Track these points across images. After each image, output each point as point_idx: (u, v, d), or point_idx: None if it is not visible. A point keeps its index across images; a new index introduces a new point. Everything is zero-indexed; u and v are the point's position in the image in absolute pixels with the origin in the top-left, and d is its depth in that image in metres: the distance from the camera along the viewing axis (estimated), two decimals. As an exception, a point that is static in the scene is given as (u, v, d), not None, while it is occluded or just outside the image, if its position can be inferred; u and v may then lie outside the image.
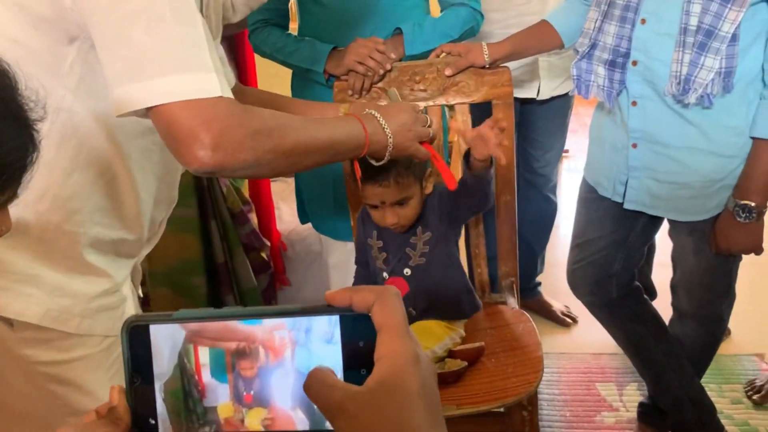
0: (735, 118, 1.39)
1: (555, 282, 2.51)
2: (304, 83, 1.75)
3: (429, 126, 1.19)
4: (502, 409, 1.42)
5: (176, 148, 0.86)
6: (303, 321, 0.47)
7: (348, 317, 0.46)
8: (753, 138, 1.39)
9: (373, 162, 1.16)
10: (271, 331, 0.47)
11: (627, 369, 2.16)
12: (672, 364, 1.69)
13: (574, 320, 2.44)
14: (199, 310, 0.49)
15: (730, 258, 1.53)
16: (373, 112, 1.10)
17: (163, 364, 0.49)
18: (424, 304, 1.43)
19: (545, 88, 2.08)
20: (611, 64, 1.45)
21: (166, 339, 0.49)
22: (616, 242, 1.64)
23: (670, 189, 1.50)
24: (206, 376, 0.48)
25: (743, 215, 1.40)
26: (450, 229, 1.43)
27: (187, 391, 0.49)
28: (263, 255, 2.09)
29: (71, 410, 1.05)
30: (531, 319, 1.53)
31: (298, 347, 0.47)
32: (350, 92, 1.57)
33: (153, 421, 0.49)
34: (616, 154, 1.55)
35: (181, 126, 0.83)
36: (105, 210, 1.00)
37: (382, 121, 1.09)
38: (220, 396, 0.48)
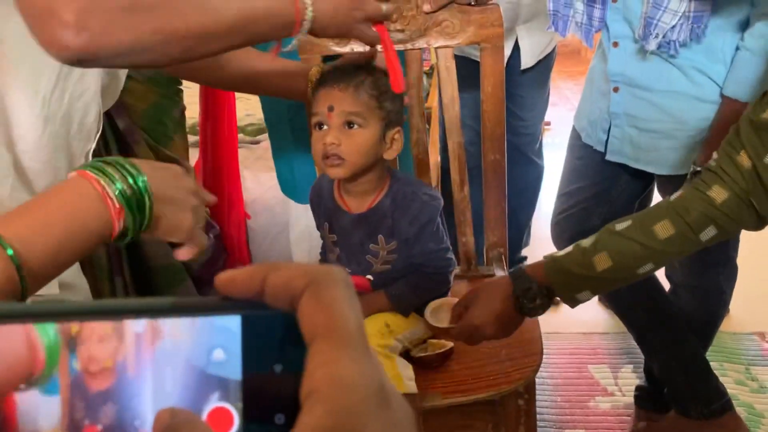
0: (719, 60, 1.24)
1: (541, 256, 2.33)
2: None
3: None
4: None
5: (33, 29, 0.66)
6: (176, 324, 0.26)
7: (256, 319, 0.26)
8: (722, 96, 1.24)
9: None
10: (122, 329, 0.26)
11: (621, 350, 2.00)
12: (656, 324, 1.53)
13: (562, 298, 2.27)
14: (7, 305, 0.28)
15: None
16: None
17: None
18: None
19: (527, 56, 1.92)
20: (591, 0, 1.32)
21: None
22: (597, 195, 1.51)
23: (651, 138, 1.37)
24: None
25: None
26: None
27: None
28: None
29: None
30: (524, 294, 1.34)
31: (162, 365, 0.26)
32: None
33: None
34: (601, 98, 1.43)
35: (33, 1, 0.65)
36: None
37: None
38: (42, 419, 0.27)
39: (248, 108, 2.64)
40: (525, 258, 2.31)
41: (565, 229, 1.55)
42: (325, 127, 1.08)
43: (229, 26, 0.77)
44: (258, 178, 2.13)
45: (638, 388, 1.72)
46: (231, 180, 1.97)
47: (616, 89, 1.36)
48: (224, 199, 1.95)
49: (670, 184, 1.40)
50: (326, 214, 1.20)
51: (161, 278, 1.74)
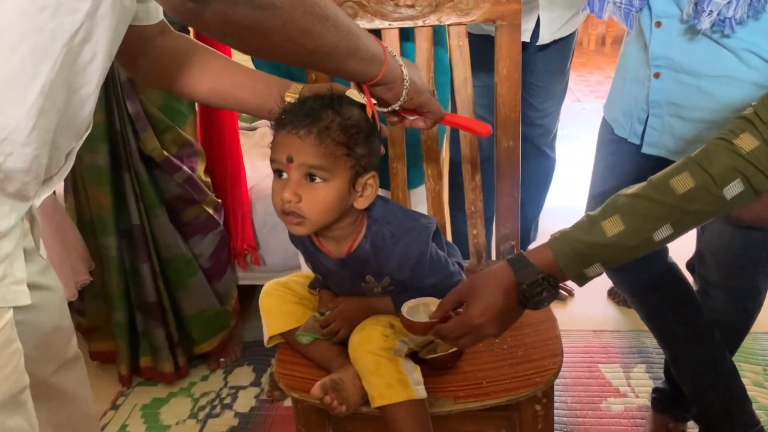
0: None
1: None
2: None
3: None
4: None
5: None
6: None
7: None
8: None
9: (382, 109, 0.96)
10: None
11: (633, 348, 1.91)
12: (692, 341, 1.42)
13: (571, 293, 2.19)
14: None
15: None
16: (391, 50, 0.93)
17: None
18: None
19: (545, 31, 1.81)
20: None
21: None
22: None
23: (697, 128, 1.23)
24: None
25: None
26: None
27: None
28: (207, 209, 1.77)
29: None
30: (540, 291, 1.25)
31: None
32: None
33: None
34: (637, 85, 1.30)
35: None
36: None
37: (399, 59, 0.93)
38: None
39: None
40: (532, 252, 2.23)
41: None
42: (285, 175, 0.95)
43: (336, 23, 0.79)
44: (255, 166, 2.03)
45: (656, 391, 1.62)
46: (232, 163, 1.90)
47: (657, 75, 1.24)
48: (227, 181, 1.89)
49: None
50: (308, 255, 1.11)
51: (173, 269, 1.76)
